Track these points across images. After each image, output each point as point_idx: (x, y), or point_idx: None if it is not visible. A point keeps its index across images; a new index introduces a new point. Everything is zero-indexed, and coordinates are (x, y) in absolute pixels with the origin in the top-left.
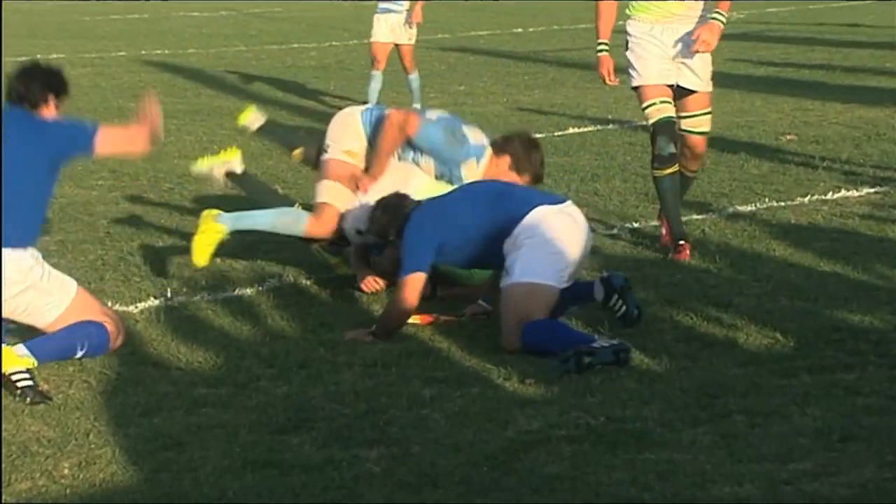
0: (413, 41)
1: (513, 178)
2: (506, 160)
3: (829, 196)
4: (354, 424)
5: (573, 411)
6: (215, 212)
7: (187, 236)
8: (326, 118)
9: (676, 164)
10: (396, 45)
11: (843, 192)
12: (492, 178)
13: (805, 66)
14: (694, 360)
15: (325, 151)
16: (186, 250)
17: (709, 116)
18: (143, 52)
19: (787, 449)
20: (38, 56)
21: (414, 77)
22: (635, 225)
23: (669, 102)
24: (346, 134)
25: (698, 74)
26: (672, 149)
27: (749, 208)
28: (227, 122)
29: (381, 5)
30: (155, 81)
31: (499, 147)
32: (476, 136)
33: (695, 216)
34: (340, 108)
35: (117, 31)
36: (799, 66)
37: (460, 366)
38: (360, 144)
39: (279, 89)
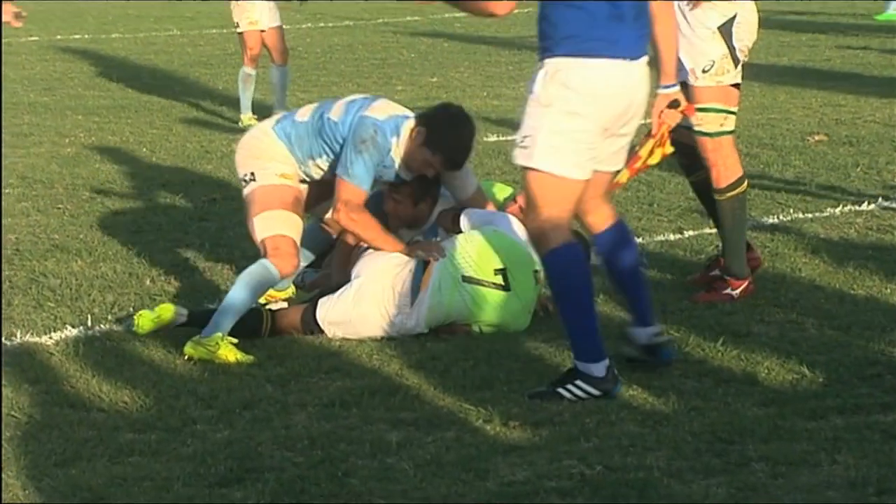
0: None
1: (425, 155)
2: (421, 133)
3: (865, 207)
4: (308, 476)
5: (565, 459)
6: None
7: (110, 254)
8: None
9: (695, 173)
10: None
11: (880, 202)
12: (408, 151)
13: (837, 55)
14: (706, 399)
15: (250, 181)
16: (109, 270)
17: (700, 114)
18: (58, 36)
19: None
20: None
21: (285, 70)
22: (637, 241)
23: None
24: (272, 159)
25: (685, 65)
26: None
27: (771, 221)
28: (157, 120)
29: None
30: (73, 71)
31: (420, 117)
32: (385, 110)
33: (707, 230)
34: (287, 104)
35: (28, 11)
36: (830, 55)
37: (433, 406)
38: (291, 164)
39: (220, 81)
